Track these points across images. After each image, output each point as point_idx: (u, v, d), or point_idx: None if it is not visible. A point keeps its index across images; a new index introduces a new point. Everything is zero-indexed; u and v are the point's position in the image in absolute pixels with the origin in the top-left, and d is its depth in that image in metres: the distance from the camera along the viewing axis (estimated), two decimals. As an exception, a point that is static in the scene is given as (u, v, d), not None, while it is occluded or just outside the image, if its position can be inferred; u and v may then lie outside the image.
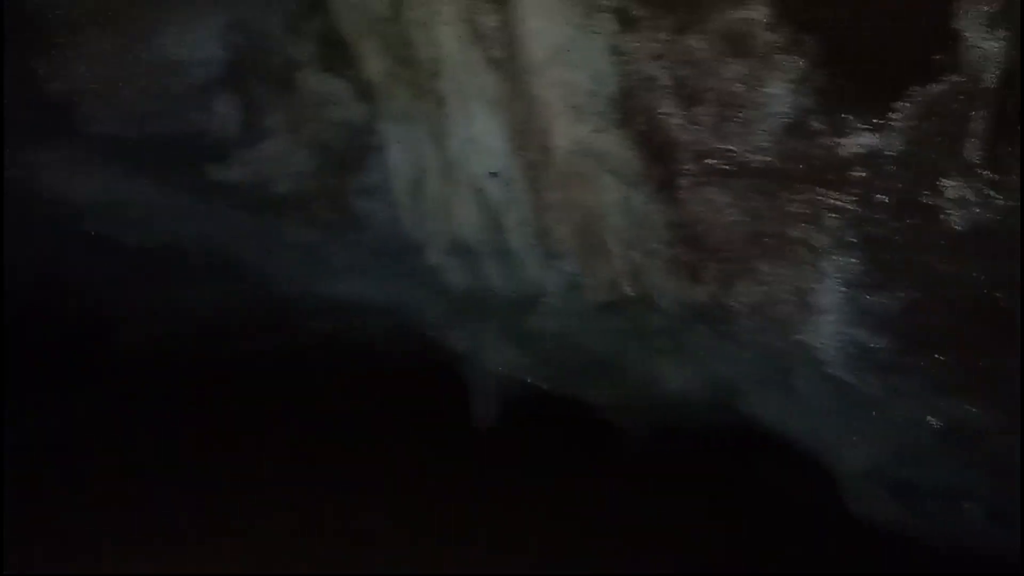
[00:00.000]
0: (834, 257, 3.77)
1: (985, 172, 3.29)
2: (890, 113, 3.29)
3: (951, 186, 3.34)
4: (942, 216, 3.44)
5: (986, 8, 3.18)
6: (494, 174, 4.22)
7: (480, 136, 4.05)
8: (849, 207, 3.56)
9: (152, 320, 7.06)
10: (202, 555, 5.62)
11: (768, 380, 5.59)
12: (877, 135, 3.35)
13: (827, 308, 4.02)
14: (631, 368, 6.36)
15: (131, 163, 4.76)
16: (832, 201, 3.57)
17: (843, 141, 3.40)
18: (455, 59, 3.83)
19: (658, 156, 3.74)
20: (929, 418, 4.40)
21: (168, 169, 4.82)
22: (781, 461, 6.76)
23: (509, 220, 4.46)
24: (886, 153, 3.38)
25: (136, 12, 4.25)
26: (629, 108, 3.64)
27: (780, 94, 3.40)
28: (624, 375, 6.48)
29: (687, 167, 3.69)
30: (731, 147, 3.54)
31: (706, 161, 3.63)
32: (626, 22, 3.55)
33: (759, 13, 3.40)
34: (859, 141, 3.38)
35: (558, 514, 7.21)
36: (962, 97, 3.22)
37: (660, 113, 3.57)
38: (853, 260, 3.74)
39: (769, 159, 3.53)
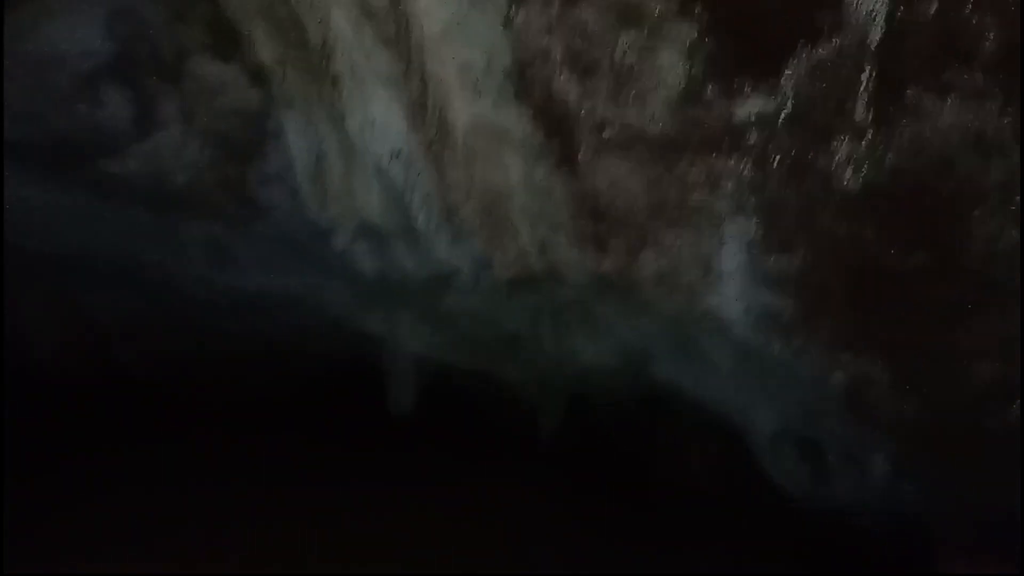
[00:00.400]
0: (734, 222, 3.84)
1: (874, 131, 3.37)
2: (780, 77, 3.34)
3: (842, 146, 3.41)
4: (834, 177, 3.51)
5: (867, -31, 3.26)
6: (396, 155, 4.17)
7: (379, 117, 4.00)
8: (746, 172, 3.62)
9: (52, 328, 6.87)
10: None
11: (678, 347, 5.68)
12: (769, 99, 3.40)
13: (730, 273, 4.10)
14: (545, 343, 6.39)
15: (20, 163, 4.57)
16: (729, 167, 3.62)
17: (736, 107, 3.44)
18: (347, 39, 3.77)
19: (557, 129, 3.75)
20: (834, 375, 4.51)
21: (60, 167, 4.66)
22: (695, 426, 6.91)
23: (414, 201, 4.42)
24: (778, 117, 3.43)
25: (14, 3, 4.08)
26: (525, 82, 3.63)
27: (673, 62, 3.43)
28: (538, 350, 6.51)
29: (586, 139, 3.70)
30: (628, 117, 3.56)
31: (604, 132, 3.65)
32: (516, -5, 3.54)
33: (648, -18, 3.41)
34: (752, 106, 3.43)
35: (479, 497, 7.26)
36: (848, 57, 3.28)
37: (556, 86, 3.56)
38: (752, 224, 3.80)
39: (666, 128, 3.56)
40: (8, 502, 5.63)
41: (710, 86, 3.42)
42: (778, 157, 3.52)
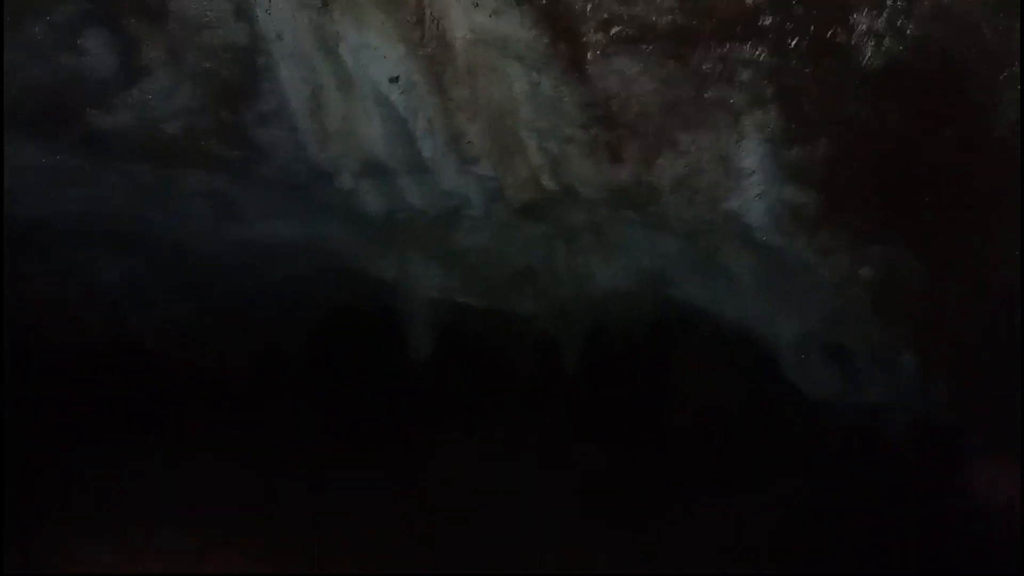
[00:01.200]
0: (753, 114, 3.70)
1: (894, 1, 3.22)
2: (792, -49, 3.18)
3: (861, 19, 3.26)
4: (855, 54, 3.36)
5: None
6: (395, 79, 4.01)
7: (373, 39, 3.82)
8: (762, 59, 3.46)
9: (59, 301, 6.74)
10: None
11: (698, 264, 5.56)
12: (782, -25, 3.23)
13: (751, 170, 3.96)
14: (560, 273, 6.28)
15: (6, 123, 4.40)
16: (745, 55, 3.46)
17: (749, -13, 3.28)
18: (334, -46, 3.59)
19: (562, 32, 3.58)
20: (861, 270, 4.38)
21: (46, 125, 4.50)
22: (717, 345, 6.82)
23: (418, 128, 4.26)
24: (793, -6, 3.27)
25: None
26: (525, -17, 3.45)
27: (679, -55, 3.25)
28: (554, 281, 6.40)
29: (593, 39, 3.54)
30: (635, 10, 3.39)
31: (612, 30, 3.48)
32: None
33: None
34: (765, -15, 3.26)
35: (504, 435, 7.24)
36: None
37: (558, -16, 3.40)
38: (772, 114, 3.66)
39: (676, 18, 3.40)
40: (32, 479, 5.59)
41: (720, -32, 3.25)
42: (795, 38, 3.36)
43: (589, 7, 3.41)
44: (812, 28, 3.31)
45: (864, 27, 3.27)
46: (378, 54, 3.91)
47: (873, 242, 4.18)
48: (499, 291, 6.57)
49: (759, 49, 3.42)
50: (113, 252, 6.46)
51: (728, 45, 3.45)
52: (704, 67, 3.54)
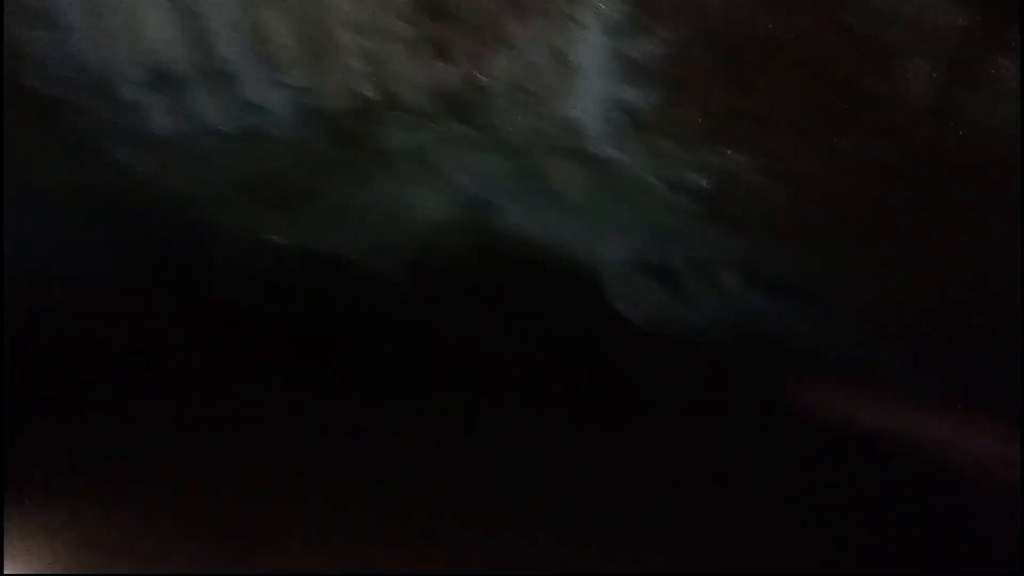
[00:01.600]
0: (595, 4, 3.43)
1: None
2: None
3: None
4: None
5: None
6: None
7: (160, -88, 3.32)
8: (606, -65, 3.20)
9: None
10: None
11: (524, 188, 5.33)
12: None
13: (589, 68, 3.72)
14: (377, 206, 5.92)
15: None
16: (587, -69, 3.19)
17: None
18: None
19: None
20: (694, 176, 4.25)
21: None
22: (544, 274, 6.67)
23: (216, 26, 3.78)
24: None
25: None
26: None
27: None
28: (371, 215, 6.04)
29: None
30: None
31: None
32: None
33: None
34: None
35: (323, 375, 6.86)
36: None
37: None
38: (616, 4, 3.41)
39: None
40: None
41: None
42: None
43: None
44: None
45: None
46: (167, -68, 3.40)
47: (710, 146, 4.04)
48: (312, 228, 6.15)
49: (603, -75, 3.16)
50: None
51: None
52: (544, -54, 3.25)
